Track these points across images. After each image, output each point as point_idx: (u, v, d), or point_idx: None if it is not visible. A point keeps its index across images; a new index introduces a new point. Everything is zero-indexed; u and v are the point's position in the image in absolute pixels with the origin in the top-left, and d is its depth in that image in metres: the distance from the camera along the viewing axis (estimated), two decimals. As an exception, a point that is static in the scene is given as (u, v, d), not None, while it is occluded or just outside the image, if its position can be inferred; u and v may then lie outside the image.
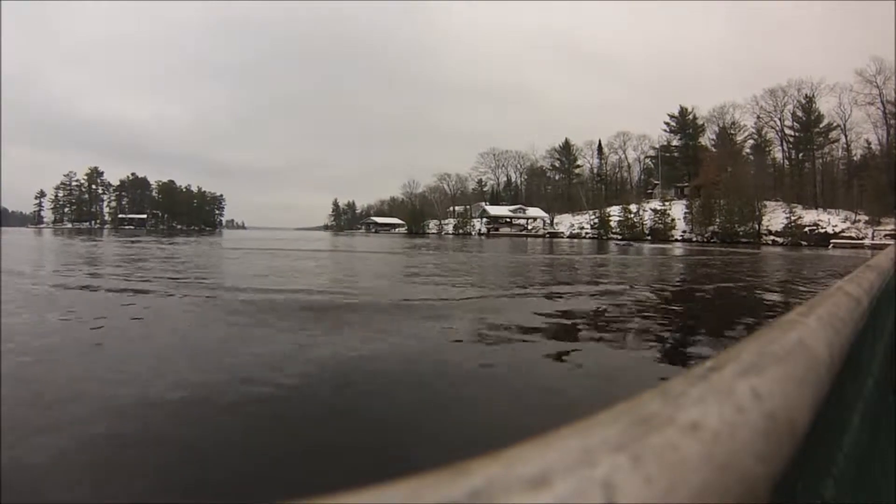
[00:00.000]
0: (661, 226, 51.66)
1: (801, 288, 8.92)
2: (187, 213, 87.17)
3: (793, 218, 45.61)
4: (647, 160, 64.73)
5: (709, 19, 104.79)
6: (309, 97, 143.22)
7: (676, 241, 47.95)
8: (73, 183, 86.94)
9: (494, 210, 65.41)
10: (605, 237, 52.68)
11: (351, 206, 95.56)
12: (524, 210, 64.52)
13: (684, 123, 59.95)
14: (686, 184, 55.52)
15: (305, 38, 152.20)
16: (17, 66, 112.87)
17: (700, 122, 59.32)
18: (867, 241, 39.99)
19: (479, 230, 64.13)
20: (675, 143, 60.98)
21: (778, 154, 55.62)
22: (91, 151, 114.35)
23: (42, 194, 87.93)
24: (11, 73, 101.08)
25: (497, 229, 62.67)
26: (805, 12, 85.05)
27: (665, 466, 0.16)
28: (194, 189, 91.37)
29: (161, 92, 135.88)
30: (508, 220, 64.18)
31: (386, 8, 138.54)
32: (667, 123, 61.33)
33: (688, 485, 0.16)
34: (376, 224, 77.92)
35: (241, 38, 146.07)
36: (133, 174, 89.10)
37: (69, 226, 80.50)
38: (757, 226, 46.89)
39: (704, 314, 6.17)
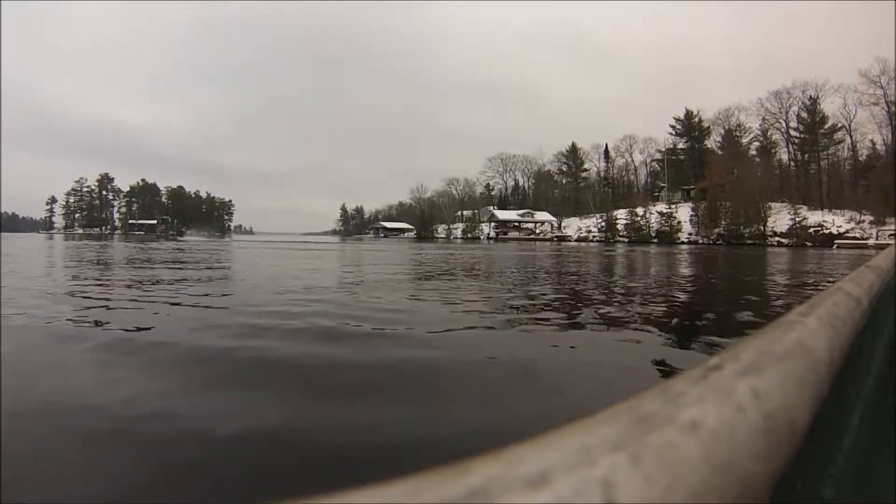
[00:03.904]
0: (667, 228, 52.19)
1: None
2: (197, 218, 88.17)
3: (798, 219, 46.11)
4: (654, 163, 65.33)
5: (712, 18, 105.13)
6: (311, 100, 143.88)
7: (683, 243, 48.44)
8: (84, 189, 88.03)
9: (503, 214, 65.84)
10: (612, 240, 53.27)
11: (359, 210, 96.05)
12: (532, 214, 64.97)
13: (690, 126, 60.53)
14: (692, 186, 56.07)
15: (304, 41, 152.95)
16: (17, 69, 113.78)
17: (706, 124, 59.90)
18: (871, 241, 40.27)
19: (488, 234, 64.65)
20: (680, 145, 61.56)
21: (783, 155, 56.15)
22: (91, 156, 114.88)
23: (53, 200, 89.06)
24: (11, 77, 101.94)
25: (505, 233, 63.05)
26: (809, 12, 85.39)
27: (664, 466, 0.16)
28: (203, 195, 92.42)
29: (162, 95, 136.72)
30: (517, 224, 64.62)
31: (384, 7, 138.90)
32: (672, 126, 62.03)
33: (687, 484, 0.16)
34: (385, 229, 78.08)
35: (240, 40, 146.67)
36: (143, 180, 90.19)
37: (80, 231, 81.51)
38: (762, 227, 47.22)
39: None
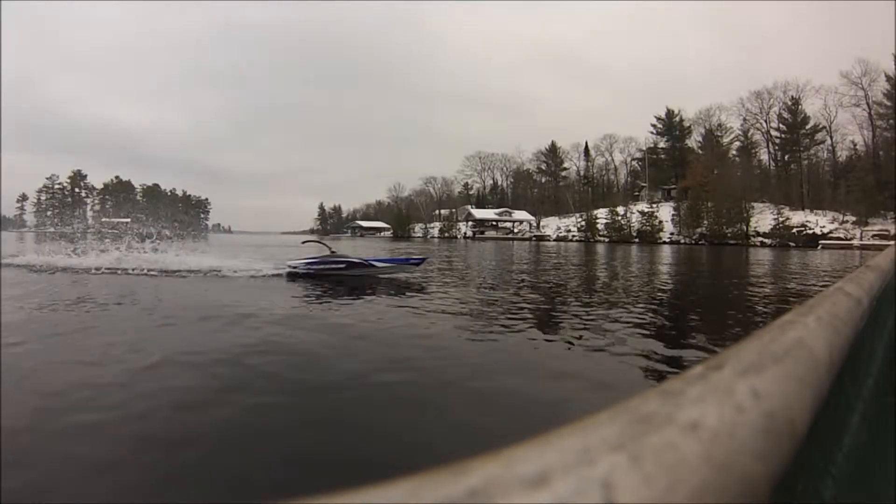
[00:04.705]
0: (648, 228, 51.05)
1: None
2: (171, 216, 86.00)
3: (781, 219, 45.23)
4: (634, 162, 64.38)
5: (694, 23, 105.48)
6: (297, 104, 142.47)
7: (664, 243, 47.40)
8: (56, 186, 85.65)
9: (480, 213, 64.52)
10: (592, 240, 52.01)
11: (337, 209, 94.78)
12: (510, 213, 63.71)
13: (671, 125, 59.64)
14: (673, 186, 55.09)
15: (293, 46, 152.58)
16: (15, 69, 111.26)
17: (687, 124, 59.13)
18: (856, 242, 39.82)
19: (465, 234, 63.22)
20: (661, 145, 60.66)
21: (763, 156, 55.48)
22: (79, 155, 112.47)
23: (24, 198, 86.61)
24: (9, 77, 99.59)
25: (483, 233, 61.82)
26: (789, 15, 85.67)
27: (664, 466, 0.16)
28: (179, 193, 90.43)
29: (153, 96, 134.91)
30: (494, 223, 63.32)
31: (368, 12, 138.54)
32: (653, 125, 61.11)
33: (687, 484, 0.16)
34: (361, 228, 76.75)
35: (227, 45, 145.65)
36: (117, 177, 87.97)
37: (52, 230, 78.94)
38: (745, 227, 46.45)
39: None
